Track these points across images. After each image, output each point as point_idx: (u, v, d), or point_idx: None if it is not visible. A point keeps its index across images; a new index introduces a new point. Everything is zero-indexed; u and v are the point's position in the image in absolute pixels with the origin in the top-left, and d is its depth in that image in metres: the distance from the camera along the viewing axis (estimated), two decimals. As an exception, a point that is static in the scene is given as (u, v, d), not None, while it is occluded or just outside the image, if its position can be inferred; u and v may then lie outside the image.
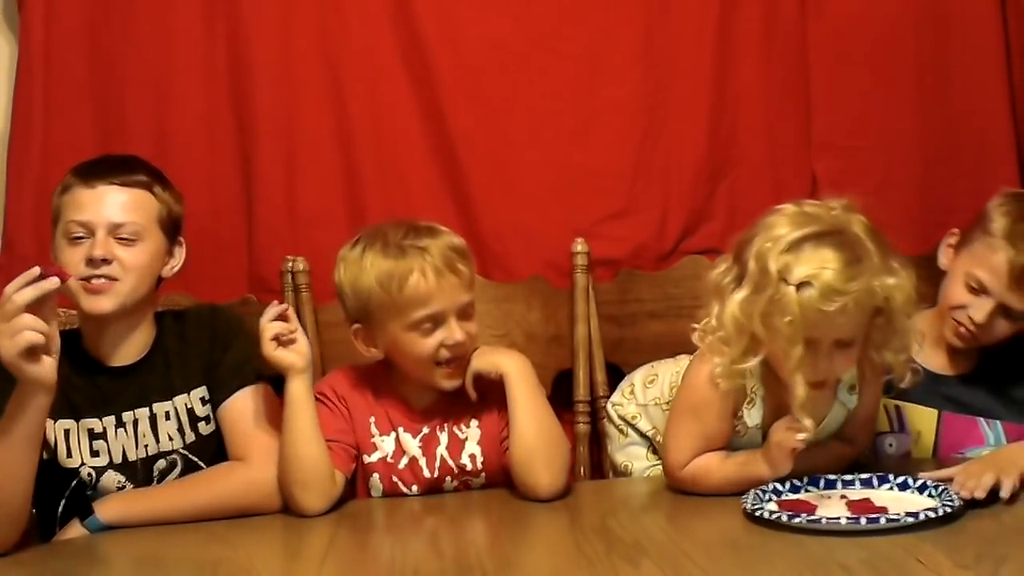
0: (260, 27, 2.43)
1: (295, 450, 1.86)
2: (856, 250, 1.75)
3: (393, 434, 1.98)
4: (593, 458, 2.36)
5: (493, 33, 2.46)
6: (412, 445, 1.97)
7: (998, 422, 2.01)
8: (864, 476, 1.80)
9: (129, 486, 1.93)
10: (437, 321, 1.89)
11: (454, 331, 1.89)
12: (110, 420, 1.94)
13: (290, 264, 2.38)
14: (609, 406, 2.23)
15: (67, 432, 1.93)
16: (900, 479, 1.78)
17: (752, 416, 1.87)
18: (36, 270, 1.68)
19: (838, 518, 1.63)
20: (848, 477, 1.80)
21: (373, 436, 1.97)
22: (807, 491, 1.78)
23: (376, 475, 1.97)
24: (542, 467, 1.88)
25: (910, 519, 1.59)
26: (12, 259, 2.40)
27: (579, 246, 2.39)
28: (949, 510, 1.62)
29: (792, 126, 2.49)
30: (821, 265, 1.72)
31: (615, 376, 2.37)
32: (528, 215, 2.43)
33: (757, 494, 1.74)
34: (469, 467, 1.98)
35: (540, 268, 2.43)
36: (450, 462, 1.97)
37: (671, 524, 1.80)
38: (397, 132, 2.46)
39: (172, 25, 2.44)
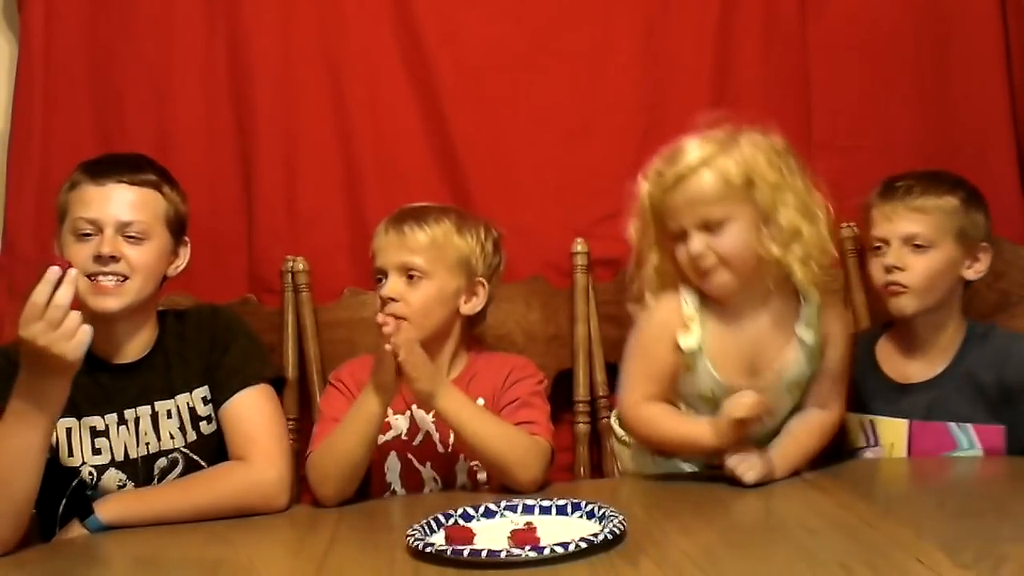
0: (260, 27, 2.43)
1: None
2: (714, 136, 1.88)
3: (408, 412, 2.02)
4: (593, 458, 2.36)
5: (493, 33, 2.46)
6: (426, 420, 2.02)
7: (968, 425, 2.01)
8: (530, 502, 1.76)
9: (130, 485, 1.93)
10: (383, 275, 2.01)
11: (386, 285, 1.99)
12: (112, 418, 1.94)
13: (290, 264, 2.38)
14: (613, 422, 2.24)
15: (69, 431, 1.93)
16: (564, 503, 1.75)
17: (686, 340, 1.90)
18: (56, 270, 1.68)
19: (481, 550, 1.56)
20: (515, 502, 1.76)
21: (387, 416, 2.00)
22: (478, 520, 1.72)
23: (393, 454, 2.01)
24: (515, 470, 1.90)
25: (560, 549, 1.53)
26: (12, 259, 2.40)
27: (579, 246, 2.39)
28: (610, 537, 1.58)
29: (792, 126, 2.49)
30: (670, 149, 1.89)
31: (615, 376, 2.37)
32: (528, 215, 2.43)
33: (423, 526, 1.67)
34: None
35: (540, 268, 2.43)
36: None
37: (671, 524, 1.80)
38: (397, 132, 2.46)
39: (172, 25, 2.44)
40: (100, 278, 1.88)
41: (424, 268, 1.99)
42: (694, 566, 1.53)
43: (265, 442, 1.92)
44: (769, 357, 1.91)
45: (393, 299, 1.98)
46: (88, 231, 1.90)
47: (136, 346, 1.97)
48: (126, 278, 1.90)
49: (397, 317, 1.96)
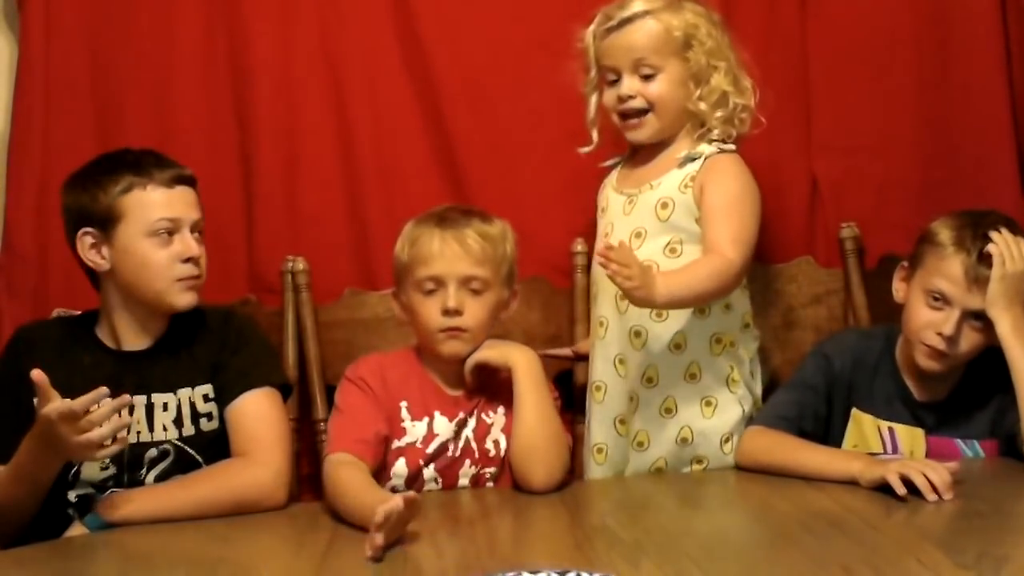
0: (260, 27, 2.43)
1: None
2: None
3: (426, 419, 2.01)
4: (592, 458, 2.36)
5: (493, 33, 2.46)
6: (448, 428, 2.00)
7: (975, 441, 2.02)
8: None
9: (112, 468, 1.94)
10: (439, 283, 1.97)
11: (450, 297, 1.96)
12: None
13: (290, 264, 2.38)
14: None
15: None
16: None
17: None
18: (103, 390, 1.76)
19: None
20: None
21: (403, 421, 2.00)
22: None
23: (402, 459, 1.99)
24: (539, 461, 1.92)
25: None
26: (12, 259, 2.40)
27: (579, 246, 2.39)
28: None
29: (792, 126, 2.49)
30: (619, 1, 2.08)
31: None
32: (528, 215, 2.43)
33: None
34: (492, 453, 2.01)
35: (540, 268, 2.43)
36: (473, 445, 2.01)
37: (671, 524, 1.80)
38: (397, 132, 2.46)
39: (172, 25, 2.44)
40: (190, 280, 1.97)
41: (487, 279, 1.99)
42: (694, 566, 1.53)
43: (265, 440, 1.93)
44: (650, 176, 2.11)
45: (459, 312, 1.97)
46: (168, 234, 1.95)
47: (144, 336, 1.99)
48: (200, 275, 1.99)
49: (460, 330, 1.97)
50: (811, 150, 2.50)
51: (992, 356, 1.97)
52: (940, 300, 1.95)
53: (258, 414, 1.96)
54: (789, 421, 2.00)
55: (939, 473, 1.76)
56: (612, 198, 2.17)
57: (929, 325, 1.95)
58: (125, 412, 1.82)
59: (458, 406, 2.02)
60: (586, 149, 2.19)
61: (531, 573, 1.43)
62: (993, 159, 2.48)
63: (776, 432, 1.98)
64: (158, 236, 1.94)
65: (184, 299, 1.97)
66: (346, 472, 1.87)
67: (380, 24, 2.45)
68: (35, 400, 1.91)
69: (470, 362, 1.99)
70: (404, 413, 2.00)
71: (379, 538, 1.61)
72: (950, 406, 2.02)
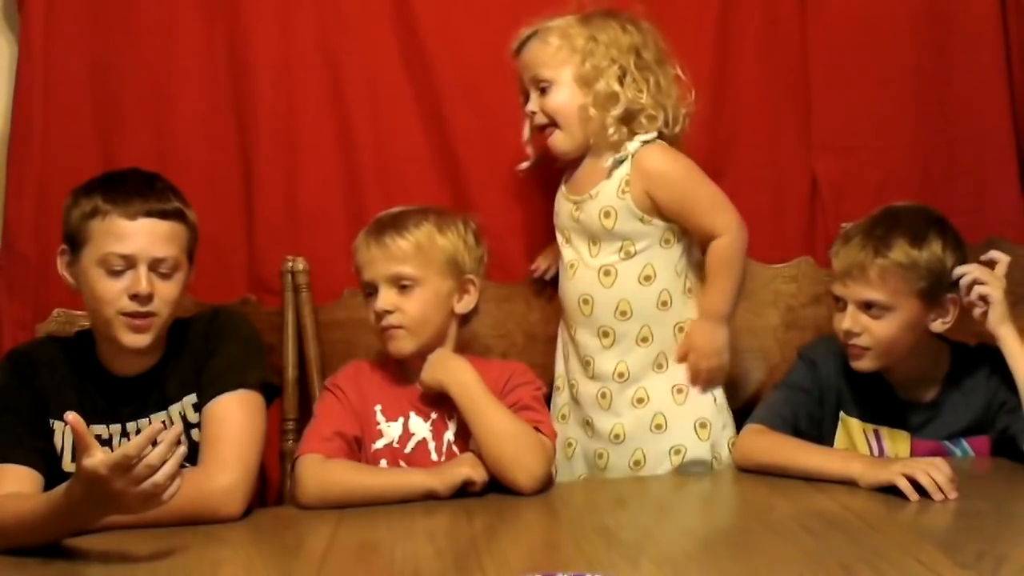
0: (260, 27, 2.43)
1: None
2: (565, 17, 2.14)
3: (401, 419, 2.03)
4: (593, 458, 2.36)
5: (493, 34, 2.45)
6: (423, 428, 2.02)
7: (962, 440, 2.02)
8: None
9: None
10: (373, 288, 2.03)
11: (378, 300, 2.01)
12: (116, 428, 1.94)
13: (290, 264, 2.37)
14: None
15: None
16: None
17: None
18: (158, 427, 1.63)
19: None
20: None
21: (379, 424, 2.02)
22: None
23: (383, 462, 2.01)
24: (511, 466, 1.91)
25: None
26: (12, 259, 2.39)
27: (579, 246, 2.39)
28: None
29: (792, 126, 2.49)
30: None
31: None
32: (528, 215, 2.43)
33: None
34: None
35: (541, 268, 2.43)
36: (455, 448, 2.01)
37: (671, 524, 1.80)
38: (397, 132, 2.46)
39: (172, 25, 2.44)
40: (136, 318, 1.89)
41: (414, 275, 2.01)
42: (694, 566, 1.53)
43: (224, 448, 1.86)
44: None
45: (388, 311, 2.00)
46: (120, 267, 1.88)
47: (144, 361, 1.96)
48: (156, 315, 1.90)
49: (394, 327, 1.99)
50: (811, 150, 2.50)
51: (978, 355, 2.00)
52: (840, 302, 1.99)
53: (223, 420, 1.90)
54: (785, 420, 2.00)
55: (943, 472, 1.76)
56: (562, 203, 2.21)
57: (838, 328, 1.99)
58: (181, 446, 1.64)
59: (432, 408, 2.03)
60: (524, 165, 2.27)
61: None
62: (993, 159, 2.49)
63: (774, 432, 1.98)
64: (111, 269, 1.87)
65: (128, 338, 1.89)
66: (335, 468, 1.95)
67: (380, 24, 2.45)
68: (53, 422, 1.90)
69: (419, 384, 2.01)
70: (379, 416, 2.03)
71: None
72: (937, 406, 2.02)
